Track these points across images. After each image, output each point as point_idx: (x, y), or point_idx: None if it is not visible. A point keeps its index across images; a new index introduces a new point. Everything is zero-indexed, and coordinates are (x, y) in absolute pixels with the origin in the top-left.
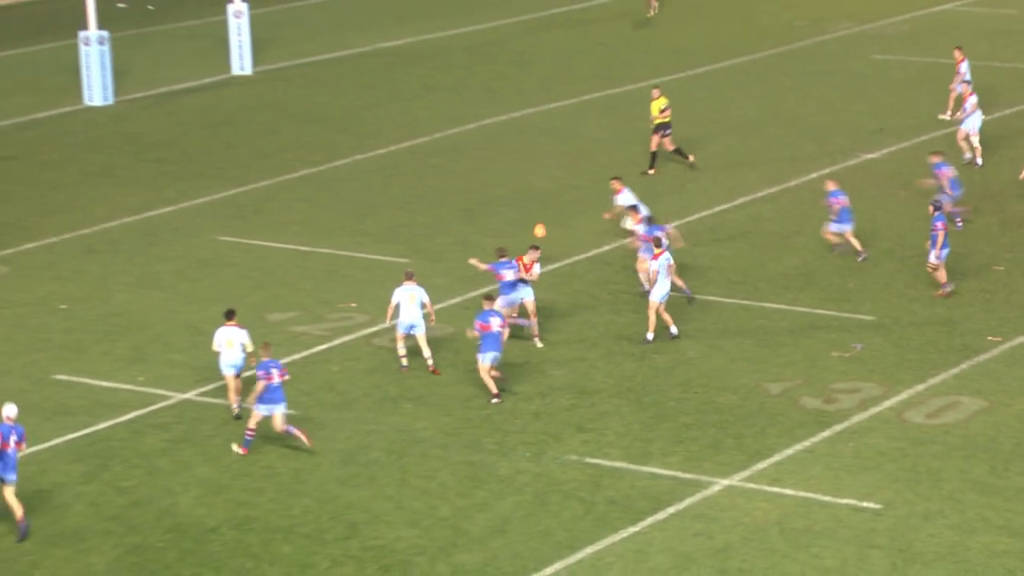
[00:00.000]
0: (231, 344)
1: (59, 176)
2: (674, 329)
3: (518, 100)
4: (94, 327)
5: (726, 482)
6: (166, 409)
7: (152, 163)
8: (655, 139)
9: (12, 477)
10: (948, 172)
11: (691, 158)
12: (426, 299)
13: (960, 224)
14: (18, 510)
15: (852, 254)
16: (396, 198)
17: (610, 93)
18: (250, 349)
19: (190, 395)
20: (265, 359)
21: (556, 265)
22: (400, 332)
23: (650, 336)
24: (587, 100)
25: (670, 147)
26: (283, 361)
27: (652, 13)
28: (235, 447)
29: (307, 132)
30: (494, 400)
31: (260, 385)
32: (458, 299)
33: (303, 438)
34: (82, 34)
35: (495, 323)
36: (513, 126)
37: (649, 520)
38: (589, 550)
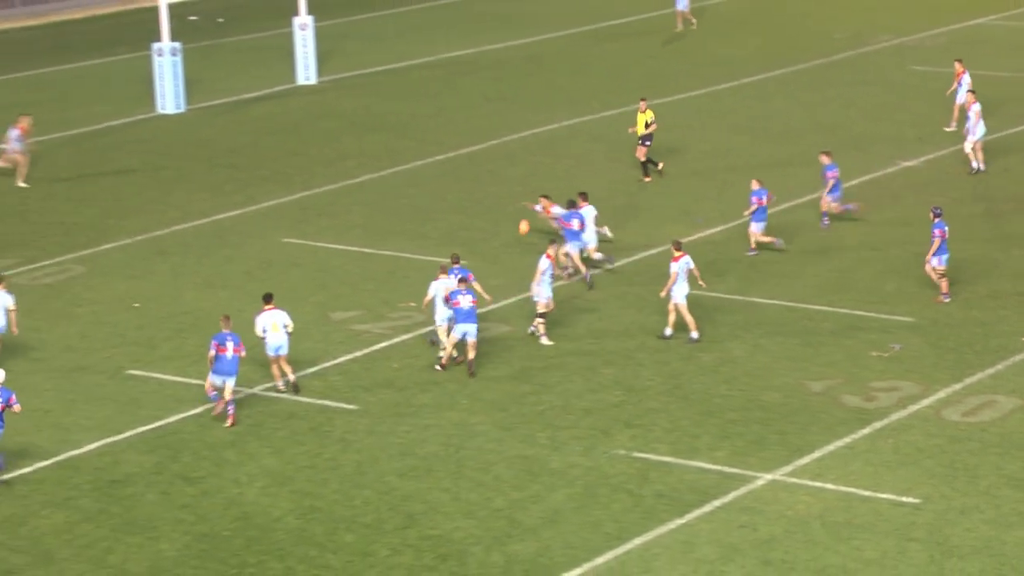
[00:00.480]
0: (276, 328)
1: (133, 181)
2: (669, 331)
3: (572, 109)
4: (165, 325)
5: (770, 476)
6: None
7: (222, 169)
8: (641, 150)
9: None
10: (835, 173)
11: (660, 165)
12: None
13: (827, 223)
14: None
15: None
16: (454, 203)
17: (659, 103)
18: (292, 329)
19: (256, 390)
20: (224, 331)
21: (599, 270)
22: (440, 323)
23: (695, 335)
24: (634, 110)
25: (642, 157)
26: (345, 358)
27: (680, 28)
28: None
29: (369, 139)
30: (436, 367)
31: (211, 355)
32: (513, 299)
33: (229, 420)
34: (155, 45)
35: (465, 300)
36: (567, 133)
37: (696, 512)
38: (637, 541)
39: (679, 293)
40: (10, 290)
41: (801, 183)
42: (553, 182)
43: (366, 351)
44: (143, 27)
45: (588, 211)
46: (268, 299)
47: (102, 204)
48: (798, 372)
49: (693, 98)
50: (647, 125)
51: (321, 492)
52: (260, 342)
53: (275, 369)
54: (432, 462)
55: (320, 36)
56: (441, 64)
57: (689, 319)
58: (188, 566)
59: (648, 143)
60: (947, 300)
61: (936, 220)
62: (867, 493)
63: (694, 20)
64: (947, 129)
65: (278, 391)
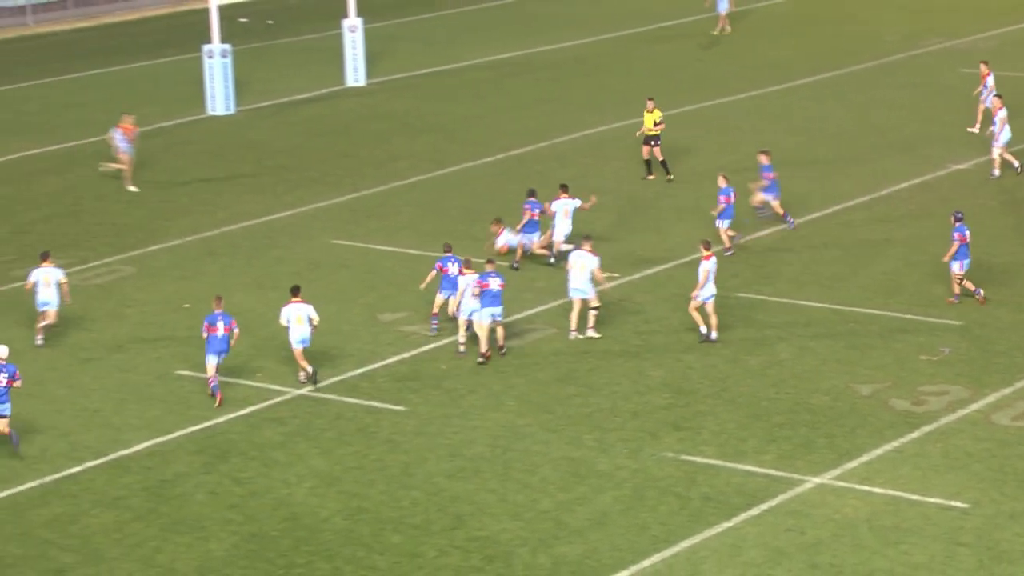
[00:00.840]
0: (300, 320)
1: (183, 182)
2: (704, 329)
3: (621, 111)
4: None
5: (817, 480)
6: (282, 404)
7: (271, 170)
8: (646, 149)
9: (5, 409)
10: (772, 175)
11: (651, 177)
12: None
13: (792, 223)
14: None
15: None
16: (503, 204)
17: (707, 105)
18: (316, 322)
19: (304, 391)
20: (216, 311)
21: (654, 269)
22: (462, 318)
23: (714, 335)
24: (685, 111)
25: (655, 156)
26: (393, 359)
27: (718, 32)
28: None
29: (418, 141)
30: (480, 360)
31: (204, 335)
32: (560, 302)
33: (217, 399)
34: (206, 47)
35: (494, 283)
36: (615, 135)
37: (743, 516)
38: (684, 544)
39: (706, 293)
40: (57, 265)
41: (853, 185)
42: (602, 182)
43: (414, 352)
44: (193, 29)
45: (561, 204)
46: (295, 291)
47: (152, 205)
48: (846, 375)
49: (743, 100)
50: (656, 124)
51: (368, 493)
52: (284, 333)
53: (299, 361)
54: (479, 463)
55: (369, 38)
56: (491, 66)
57: (713, 320)
58: (236, 566)
59: (656, 143)
60: (956, 302)
61: (957, 224)
62: (916, 497)
63: (729, 27)
64: (970, 130)
65: (300, 383)
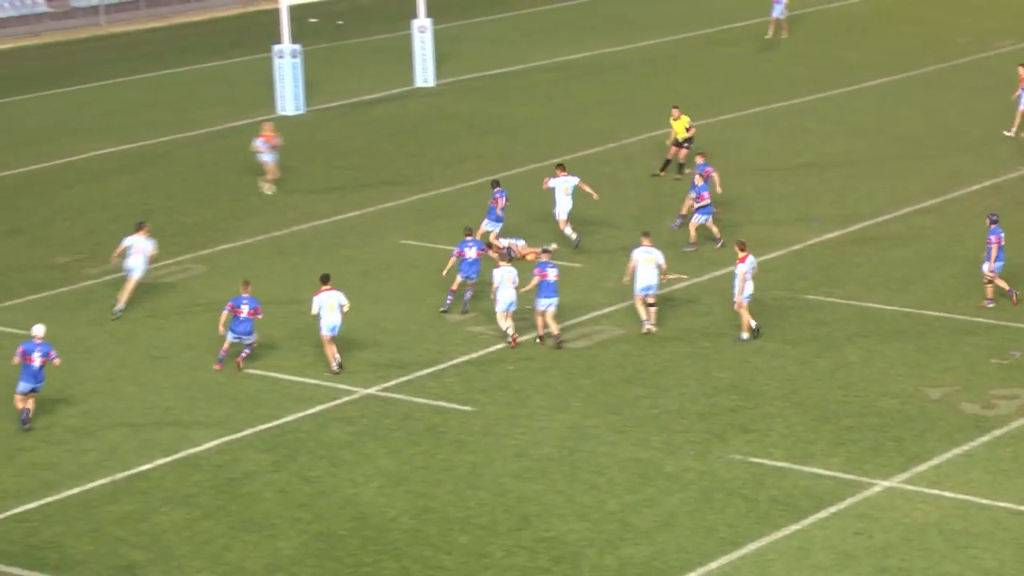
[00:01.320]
0: (332, 308)
1: (253, 182)
2: (745, 335)
3: (690, 112)
4: (283, 325)
5: (886, 483)
6: (350, 403)
7: (341, 170)
8: (674, 150)
9: (30, 386)
10: (710, 173)
11: (662, 173)
12: (516, 279)
13: (677, 224)
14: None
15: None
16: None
17: (775, 107)
18: (347, 309)
19: (373, 390)
20: (243, 295)
21: (723, 271)
22: (500, 311)
23: (744, 336)
24: (754, 113)
25: (678, 157)
26: (461, 360)
27: (771, 36)
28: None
29: (486, 142)
30: (549, 341)
31: (224, 315)
32: (628, 303)
33: (237, 365)
34: (276, 47)
35: (551, 273)
36: None
37: (811, 519)
38: (752, 547)
39: (744, 293)
40: (150, 235)
41: (923, 187)
42: (669, 184)
43: (482, 353)
44: (264, 29)
45: (560, 182)
46: (325, 279)
47: (222, 205)
48: (915, 378)
49: (812, 102)
50: (687, 130)
51: (436, 493)
52: (314, 321)
53: (327, 348)
54: (546, 464)
55: (438, 39)
56: (558, 67)
57: (746, 320)
58: (304, 565)
59: (688, 146)
60: (991, 306)
61: (992, 226)
62: (986, 501)
63: (785, 31)
64: (1007, 134)
65: (333, 373)
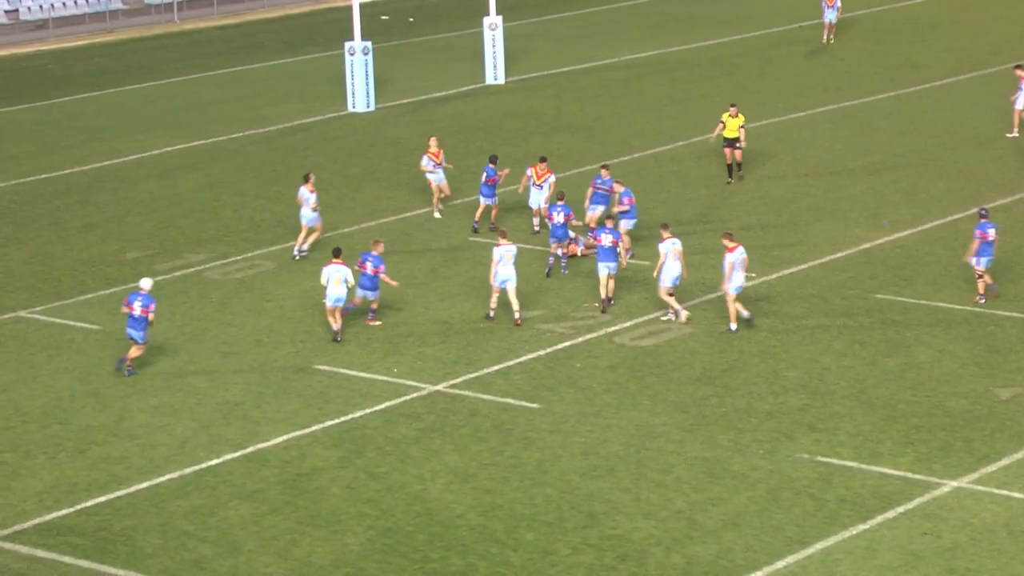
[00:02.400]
0: (337, 281)
1: (322, 178)
2: (733, 326)
3: (759, 111)
4: (352, 320)
5: (955, 483)
6: (418, 400)
7: (410, 167)
8: (728, 152)
9: (131, 334)
10: (608, 188)
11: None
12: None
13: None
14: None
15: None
16: (638, 203)
17: (845, 105)
18: (352, 284)
19: (440, 387)
20: (372, 252)
21: (792, 269)
22: (495, 286)
23: (733, 326)
24: (823, 111)
25: (736, 159)
26: (528, 357)
27: (826, 41)
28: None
29: (555, 139)
30: (604, 306)
31: (354, 268)
32: (696, 301)
33: (368, 320)
34: (348, 44)
35: (607, 239)
36: (752, 135)
37: (878, 518)
38: (819, 546)
39: (733, 284)
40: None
41: (992, 187)
42: (737, 183)
43: (549, 350)
44: (335, 26)
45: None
46: (336, 253)
47: (291, 201)
48: (985, 379)
49: (881, 101)
50: (740, 128)
51: (502, 490)
52: (321, 290)
53: (330, 318)
54: (613, 462)
55: (508, 36)
56: (627, 65)
57: (733, 310)
58: (371, 560)
59: (740, 145)
60: (983, 301)
61: (981, 221)
62: None
63: (833, 37)
64: (1009, 136)
65: (335, 341)
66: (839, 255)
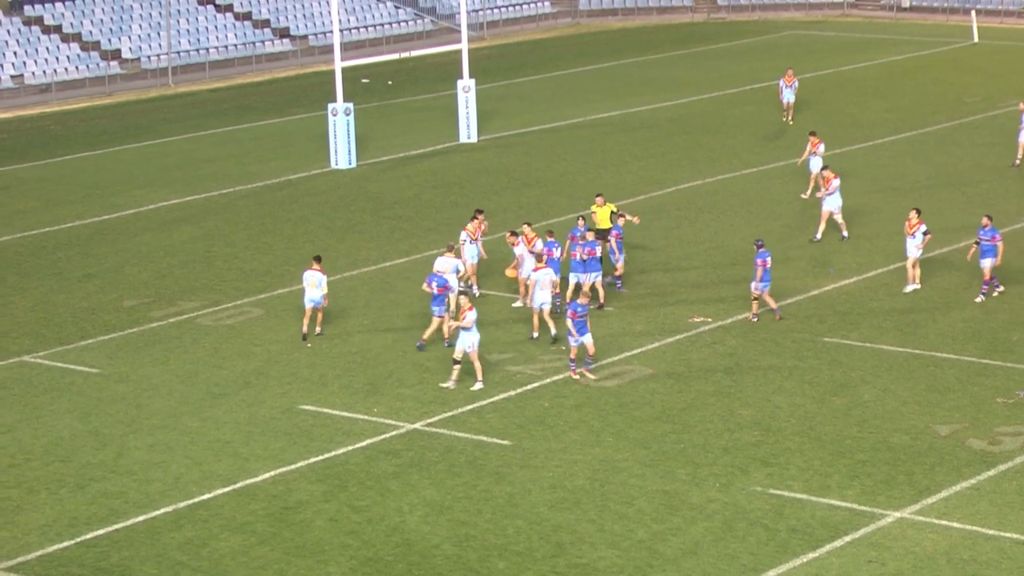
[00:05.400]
0: (313, 285)
1: (307, 230)
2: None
3: (713, 166)
4: (335, 364)
5: (898, 514)
6: (397, 437)
7: (389, 219)
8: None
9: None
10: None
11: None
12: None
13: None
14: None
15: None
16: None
17: (793, 162)
18: (325, 291)
19: (418, 425)
20: (435, 272)
21: (746, 314)
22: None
23: (535, 334)
24: (774, 168)
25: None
26: (500, 397)
27: (787, 120)
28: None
29: (526, 194)
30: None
31: (426, 288)
32: (655, 344)
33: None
34: (331, 106)
35: (584, 252)
36: (708, 190)
37: (827, 547)
38: (771, 573)
39: (538, 301)
40: (457, 255)
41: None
42: (695, 232)
43: (519, 391)
44: (319, 89)
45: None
46: (318, 259)
47: (279, 252)
48: (926, 416)
49: (828, 157)
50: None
51: (476, 521)
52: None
53: (306, 320)
54: (579, 495)
55: (480, 98)
56: (592, 124)
57: (535, 323)
58: None
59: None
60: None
61: (759, 250)
62: (992, 532)
63: (791, 118)
64: (1014, 166)
65: (303, 340)
66: (790, 301)
